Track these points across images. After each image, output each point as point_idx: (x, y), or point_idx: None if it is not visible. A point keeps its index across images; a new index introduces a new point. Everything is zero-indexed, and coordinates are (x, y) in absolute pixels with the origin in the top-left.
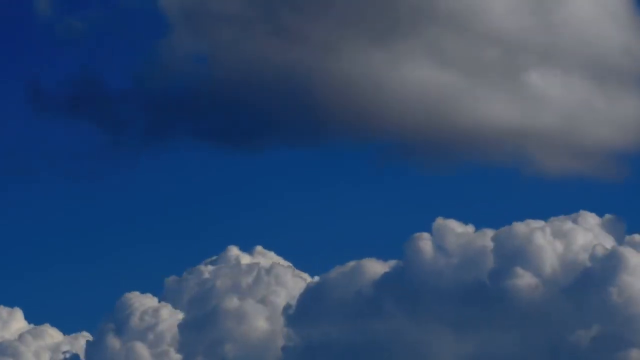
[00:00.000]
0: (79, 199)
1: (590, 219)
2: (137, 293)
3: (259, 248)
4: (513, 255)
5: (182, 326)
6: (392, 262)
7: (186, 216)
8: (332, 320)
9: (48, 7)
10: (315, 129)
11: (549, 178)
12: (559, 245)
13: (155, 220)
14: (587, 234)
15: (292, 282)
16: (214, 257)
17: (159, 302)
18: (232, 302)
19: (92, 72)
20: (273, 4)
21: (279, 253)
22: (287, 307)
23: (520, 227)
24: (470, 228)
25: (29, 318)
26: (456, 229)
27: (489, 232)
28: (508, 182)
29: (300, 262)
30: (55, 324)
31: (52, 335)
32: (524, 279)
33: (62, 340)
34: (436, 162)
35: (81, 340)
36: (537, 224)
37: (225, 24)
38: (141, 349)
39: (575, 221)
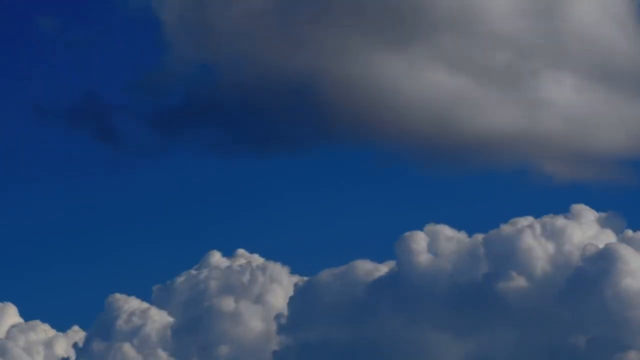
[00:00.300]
0: (75, 200)
1: (589, 214)
2: (127, 296)
3: (240, 251)
4: (504, 258)
5: (174, 329)
6: (385, 264)
7: (179, 220)
8: (324, 323)
9: (49, 22)
10: (320, 133)
11: (554, 183)
12: (553, 245)
13: (145, 225)
14: (584, 231)
15: (286, 281)
16: (198, 264)
17: (150, 305)
18: (225, 304)
19: (94, 84)
20: (276, 10)
21: (270, 257)
22: (278, 316)
23: (510, 228)
24: (462, 234)
25: (24, 315)
26: (448, 234)
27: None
28: (513, 187)
29: (292, 265)
30: (49, 321)
31: (45, 331)
32: (517, 281)
33: (54, 335)
34: (439, 166)
35: (73, 337)
36: (534, 221)
37: (225, 32)
38: (129, 350)
39: (571, 218)
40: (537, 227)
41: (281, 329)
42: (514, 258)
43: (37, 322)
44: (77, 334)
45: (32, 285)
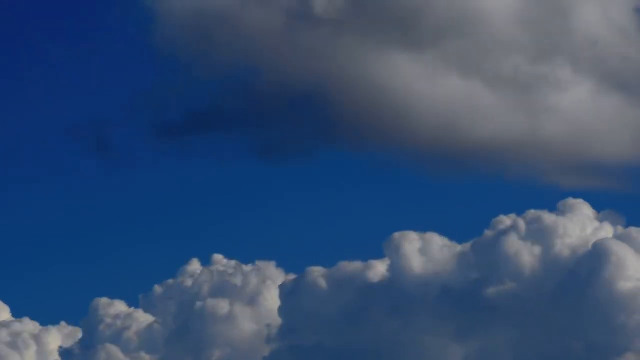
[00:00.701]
0: (69, 203)
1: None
2: (110, 299)
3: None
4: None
5: (163, 333)
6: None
7: (172, 223)
8: (315, 327)
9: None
10: (325, 138)
11: (560, 191)
12: (545, 246)
13: (137, 228)
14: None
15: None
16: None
17: (137, 309)
18: (218, 306)
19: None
20: (282, 16)
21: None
22: (268, 326)
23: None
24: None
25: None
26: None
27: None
28: (518, 193)
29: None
30: (38, 319)
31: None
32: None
33: (41, 330)
34: (444, 171)
35: (62, 331)
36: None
37: (229, 39)
38: (116, 352)
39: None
40: (530, 227)
41: (269, 339)
42: (503, 262)
43: (27, 319)
44: (65, 329)
45: (23, 284)
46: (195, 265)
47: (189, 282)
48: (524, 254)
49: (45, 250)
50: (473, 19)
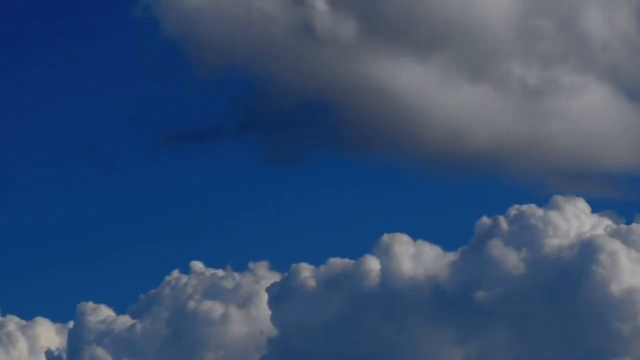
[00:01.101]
0: (62, 204)
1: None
2: (100, 305)
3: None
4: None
5: (157, 337)
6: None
7: (167, 226)
8: (310, 333)
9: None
10: (330, 144)
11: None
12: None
13: (130, 230)
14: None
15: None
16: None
17: (125, 315)
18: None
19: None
20: (289, 23)
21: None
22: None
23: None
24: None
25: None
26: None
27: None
28: (521, 199)
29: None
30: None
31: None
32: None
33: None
34: (448, 176)
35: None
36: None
37: (232, 46)
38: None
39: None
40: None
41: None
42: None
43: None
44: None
45: (12, 284)
46: (189, 268)
47: (181, 285)
48: (513, 256)
49: (39, 251)
50: (479, 25)
